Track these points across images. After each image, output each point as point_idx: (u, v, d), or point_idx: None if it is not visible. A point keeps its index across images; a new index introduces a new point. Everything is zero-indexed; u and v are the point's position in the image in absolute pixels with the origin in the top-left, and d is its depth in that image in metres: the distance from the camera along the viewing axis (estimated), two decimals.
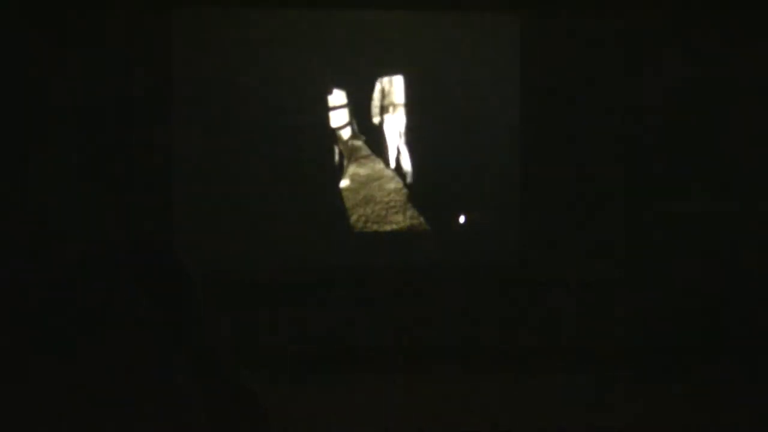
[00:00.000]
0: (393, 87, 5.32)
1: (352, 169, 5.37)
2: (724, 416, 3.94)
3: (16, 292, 3.59)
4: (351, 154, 5.36)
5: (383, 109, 5.33)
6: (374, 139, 5.37)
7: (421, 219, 5.38)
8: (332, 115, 5.30)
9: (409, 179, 5.39)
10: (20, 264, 3.55)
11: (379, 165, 5.39)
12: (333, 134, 5.32)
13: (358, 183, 5.36)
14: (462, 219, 5.38)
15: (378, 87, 5.31)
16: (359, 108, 5.31)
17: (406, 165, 5.40)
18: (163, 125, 4.98)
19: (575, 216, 5.21)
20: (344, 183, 5.36)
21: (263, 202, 5.21)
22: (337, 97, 5.29)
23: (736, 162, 5.14)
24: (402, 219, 5.38)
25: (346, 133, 5.35)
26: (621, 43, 5.13)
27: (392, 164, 5.40)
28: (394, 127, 5.36)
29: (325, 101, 5.28)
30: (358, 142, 5.37)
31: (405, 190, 5.38)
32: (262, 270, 5.18)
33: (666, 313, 5.13)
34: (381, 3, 5.23)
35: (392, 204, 5.37)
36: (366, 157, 5.38)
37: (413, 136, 5.36)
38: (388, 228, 5.36)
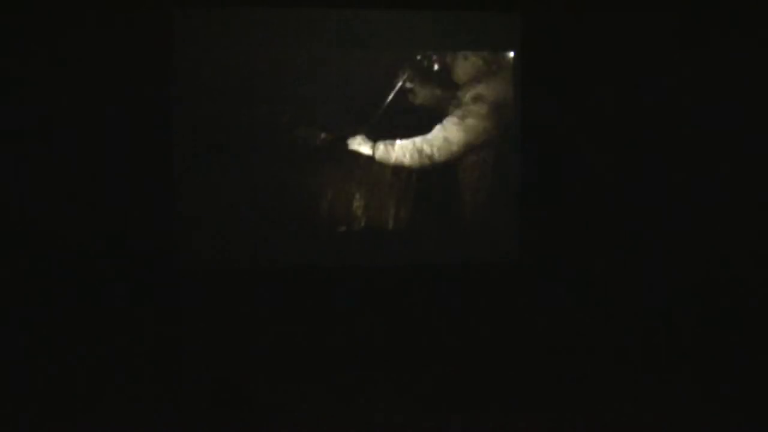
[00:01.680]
0: (392, 85, 5.34)
1: (351, 166, 5.40)
2: None
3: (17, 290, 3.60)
4: (351, 150, 5.39)
5: (383, 107, 5.35)
6: (373, 137, 5.38)
7: (420, 217, 5.44)
8: (333, 113, 5.31)
9: (408, 177, 5.43)
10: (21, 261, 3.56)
11: (378, 163, 5.42)
12: (333, 132, 5.34)
13: (358, 179, 5.40)
14: (460, 217, 5.45)
15: (377, 85, 5.32)
16: (358, 106, 5.32)
17: (406, 163, 5.45)
18: (164, 124, 5.02)
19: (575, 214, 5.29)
20: (344, 180, 5.39)
21: (263, 200, 5.27)
22: (338, 96, 5.30)
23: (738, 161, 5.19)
24: (401, 217, 5.43)
25: (345, 131, 5.36)
26: (621, 40, 5.15)
27: (392, 162, 5.44)
28: (393, 124, 5.38)
29: (326, 99, 5.29)
30: (358, 140, 5.40)
31: (404, 189, 5.44)
32: (263, 267, 5.24)
33: (666, 311, 5.21)
34: (382, 2, 5.22)
35: (391, 202, 5.43)
36: (366, 154, 5.42)
37: (412, 134, 5.41)
38: (387, 226, 5.42)
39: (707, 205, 5.21)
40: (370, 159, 5.43)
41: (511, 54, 5.39)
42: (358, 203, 5.41)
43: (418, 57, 5.34)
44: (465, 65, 5.40)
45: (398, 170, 5.42)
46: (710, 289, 5.17)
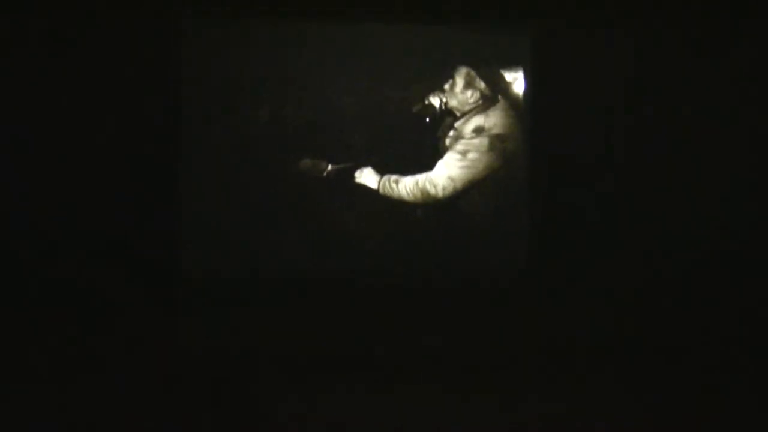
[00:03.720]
0: (395, 96, 5.32)
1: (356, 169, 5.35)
2: None
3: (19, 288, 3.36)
4: (355, 154, 5.33)
5: (386, 116, 5.33)
6: (376, 143, 5.33)
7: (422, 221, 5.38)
8: (337, 121, 5.28)
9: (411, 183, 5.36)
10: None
11: (381, 168, 5.36)
12: (338, 139, 5.30)
13: (361, 184, 5.33)
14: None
15: (382, 96, 5.32)
16: (362, 116, 5.30)
17: (408, 200, 5.36)
18: (172, 128, 4.99)
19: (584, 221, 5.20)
20: (346, 183, 5.32)
21: (269, 206, 5.20)
22: (342, 105, 5.28)
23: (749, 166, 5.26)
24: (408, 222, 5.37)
25: (349, 138, 5.32)
26: (629, 49, 5.23)
27: (395, 198, 5.35)
28: (397, 132, 5.35)
29: (332, 109, 5.27)
30: (366, 173, 5.35)
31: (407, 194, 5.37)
32: (266, 271, 5.14)
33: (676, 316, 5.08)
34: (389, 16, 5.25)
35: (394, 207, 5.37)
36: (372, 188, 5.35)
37: (416, 142, 5.36)
38: (389, 230, 5.33)
39: (716, 211, 5.20)
40: (375, 191, 5.36)
41: (509, 78, 5.45)
42: (362, 207, 5.34)
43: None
44: (462, 96, 5.42)
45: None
46: (718, 293, 5.09)
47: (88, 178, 4.85)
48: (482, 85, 5.44)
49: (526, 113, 5.38)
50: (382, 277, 5.17)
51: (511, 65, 5.43)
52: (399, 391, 4.25)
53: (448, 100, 5.41)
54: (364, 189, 5.32)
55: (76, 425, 3.73)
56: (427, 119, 5.38)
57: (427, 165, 5.37)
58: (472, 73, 5.43)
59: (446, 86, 5.41)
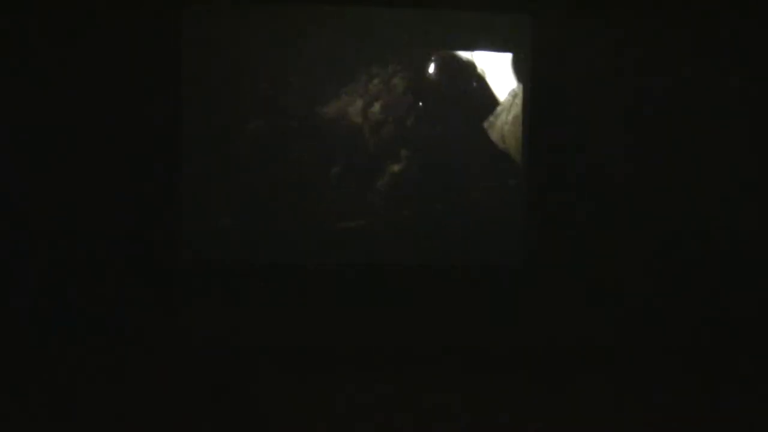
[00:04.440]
0: (398, 85, 5.33)
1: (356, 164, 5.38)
2: None
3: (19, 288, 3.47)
4: (356, 150, 5.36)
5: (389, 107, 5.34)
6: (379, 136, 5.35)
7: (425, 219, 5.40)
8: (339, 112, 5.30)
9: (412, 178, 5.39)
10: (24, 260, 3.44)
11: (383, 162, 5.39)
12: (340, 132, 5.32)
13: (362, 178, 5.37)
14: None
15: (385, 85, 5.32)
16: (365, 106, 5.32)
17: (410, 163, 5.40)
18: (172, 122, 4.99)
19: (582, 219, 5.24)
20: (348, 180, 5.36)
21: (270, 200, 5.24)
22: (345, 95, 5.29)
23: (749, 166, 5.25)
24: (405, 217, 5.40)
25: (351, 131, 5.35)
26: (630, 43, 5.18)
27: (396, 162, 5.40)
28: (399, 124, 5.36)
29: (334, 98, 5.28)
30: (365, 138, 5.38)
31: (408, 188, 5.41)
32: (265, 264, 5.19)
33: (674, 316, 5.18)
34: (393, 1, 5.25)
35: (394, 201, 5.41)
36: (370, 154, 5.39)
37: (417, 134, 5.37)
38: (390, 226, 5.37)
39: (715, 212, 5.24)
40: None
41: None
42: (361, 202, 5.37)
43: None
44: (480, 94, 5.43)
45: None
46: (719, 293, 5.18)
47: (85, 170, 4.87)
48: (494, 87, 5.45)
49: (526, 109, 5.34)
50: (383, 274, 5.24)
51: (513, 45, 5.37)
52: (399, 390, 4.31)
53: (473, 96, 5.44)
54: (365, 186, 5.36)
55: (77, 422, 3.75)
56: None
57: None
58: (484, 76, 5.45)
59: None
